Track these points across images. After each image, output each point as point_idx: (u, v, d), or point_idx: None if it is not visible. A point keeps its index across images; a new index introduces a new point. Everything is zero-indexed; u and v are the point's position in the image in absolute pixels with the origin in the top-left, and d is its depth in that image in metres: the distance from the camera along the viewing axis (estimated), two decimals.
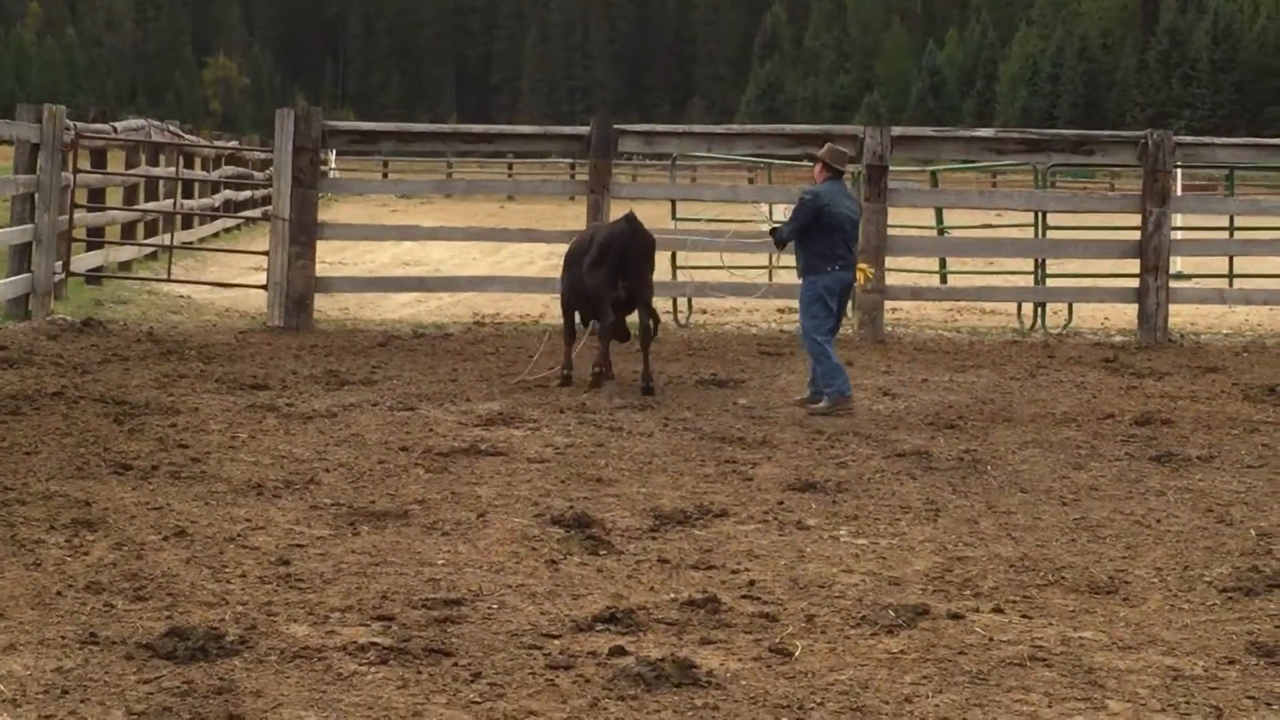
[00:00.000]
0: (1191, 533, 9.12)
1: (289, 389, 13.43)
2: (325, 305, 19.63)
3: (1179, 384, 15.18)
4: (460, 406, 12.80)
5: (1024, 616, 7.37)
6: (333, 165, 58.50)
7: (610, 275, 13.75)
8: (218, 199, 32.80)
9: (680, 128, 20.70)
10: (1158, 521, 9.38)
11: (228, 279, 22.46)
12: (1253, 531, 9.17)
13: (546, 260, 26.58)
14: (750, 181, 48.98)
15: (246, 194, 36.62)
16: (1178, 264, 21.92)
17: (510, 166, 66.91)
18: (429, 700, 6.03)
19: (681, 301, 20.26)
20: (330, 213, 36.66)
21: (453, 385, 13.87)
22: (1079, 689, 6.37)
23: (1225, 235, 22.39)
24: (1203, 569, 8.30)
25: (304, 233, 17.94)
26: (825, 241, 13.29)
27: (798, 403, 13.31)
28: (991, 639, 6.99)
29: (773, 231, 14.11)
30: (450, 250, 28.94)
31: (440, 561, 8.04)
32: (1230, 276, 21.63)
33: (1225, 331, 20.02)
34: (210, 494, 9.37)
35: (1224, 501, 9.97)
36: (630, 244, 13.78)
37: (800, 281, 13.62)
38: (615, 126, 18.84)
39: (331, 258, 24.82)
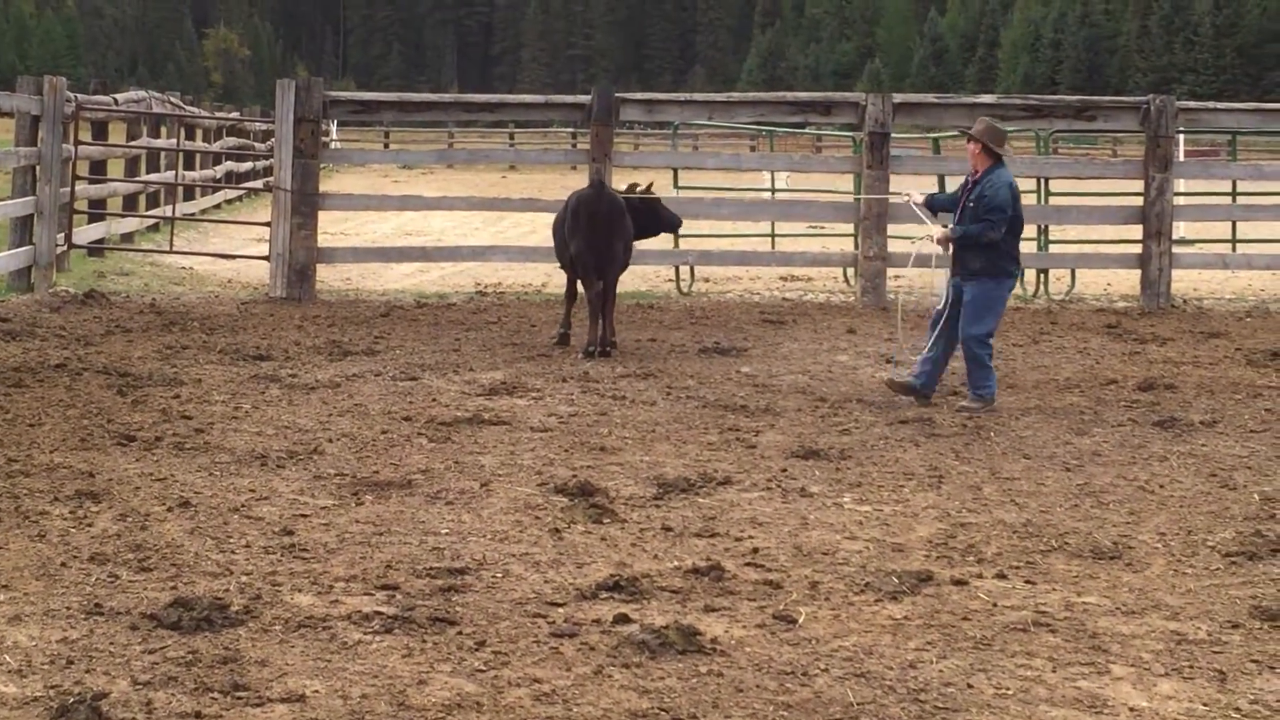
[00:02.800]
0: (1195, 498, 9.13)
1: (292, 359, 13.43)
2: (327, 276, 19.64)
3: (1182, 349, 15.18)
4: (463, 376, 12.80)
5: (1027, 582, 7.38)
6: (334, 136, 58.43)
7: (587, 242, 13.89)
8: (219, 170, 32.77)
9: (682, 96, 20.67)
10: (1161, 487, 9.39)
11: (230, 250, 22.43)
12: (1256, 496, 9.18)
13: (549, 229, 26.51)
14: (752, 149, 48.96)
15: (248, 165, 36.57)
16: (1180, 229, 21.89)
17: (512, 136, 66.79)
18: (434, 669, 6.05)
19: (684, 270, 20.23)
20: (332, 183, 36.65)
21: (456, 355, 13.88)
22: (1083, 654, 6.38)
23: (1228, 200, 22.34)
24: (1206, 534, 8.31)
25: (306, 203, 17.93)
26: (1011, 240, 12.01)
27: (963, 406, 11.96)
28: (995, 605, 7.00)
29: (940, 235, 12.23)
30: (452, 220, 28.94)
31: (444, 531, 8.05)
32: (1233, 241, 21.61)
33: (1228, 296, 20.01)
34: (214, 465, 9.38)
35: (1227, 466, 9.98)
36: (598, 210, 13.93)
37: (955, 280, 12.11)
38: (617, 95, 18.82)
39: (334, 228, 24.84)
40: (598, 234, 13.99)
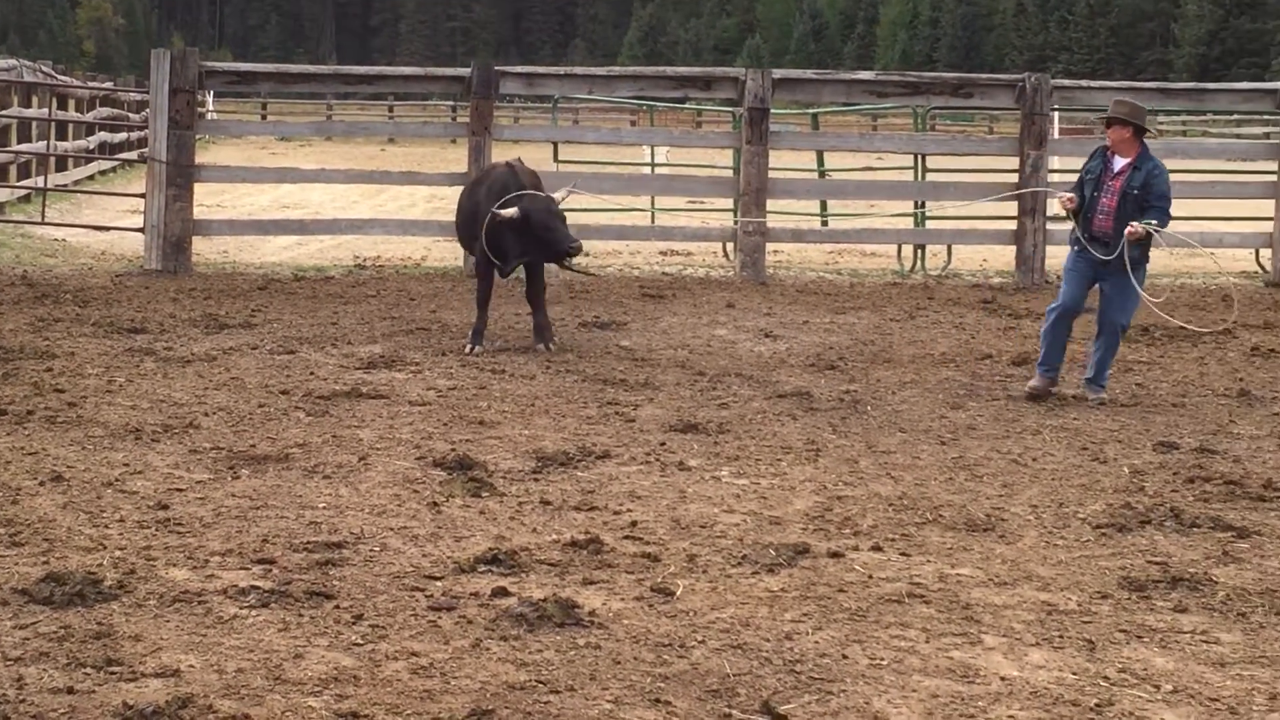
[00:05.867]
0: (1066, 471, 9.27)
1: (167, 332, 13.30)
2: (203, 248, 19.43)
3: None
4: (341, 349, 12.73)
5: (903, 554, 7.46)
6: (210, 107, 57.73)
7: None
8: (93, 141, 32.30)
9: (561, 70, 20.64)
10: (1034, 460, 9.52)
11: (103, 222, 22.11)
12: (1126, 469, 9.34)
13: (428, 203, 26.41)
14: (632, 124, 48.95)
15: (122, 136, 36.08)
16: (1055, 206, 22.13)
17: (391, 109, 66.33)
18: (310, 643, 6.02)
19: None
20: (208, 155, 36.23)
21: (334, 328, 13.79)
22: (956, 624, 6.47)
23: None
24: (1077, 506, 8.45)
25: (181, 175, 17.72)
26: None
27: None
28: (871, 576, 7.08)
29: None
30: (331, 193, 28.66)
31: (321, 505, 8.02)
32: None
33: None
34: (87, 439, 9.28)
35: (1098, 440, 10.14)
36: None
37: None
38: (496, 68, 18.73)
39: (210, 200, 24.55)
40: None
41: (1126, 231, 11.23)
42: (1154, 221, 11.26)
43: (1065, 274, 11.83)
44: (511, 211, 12.48)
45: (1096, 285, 11.66)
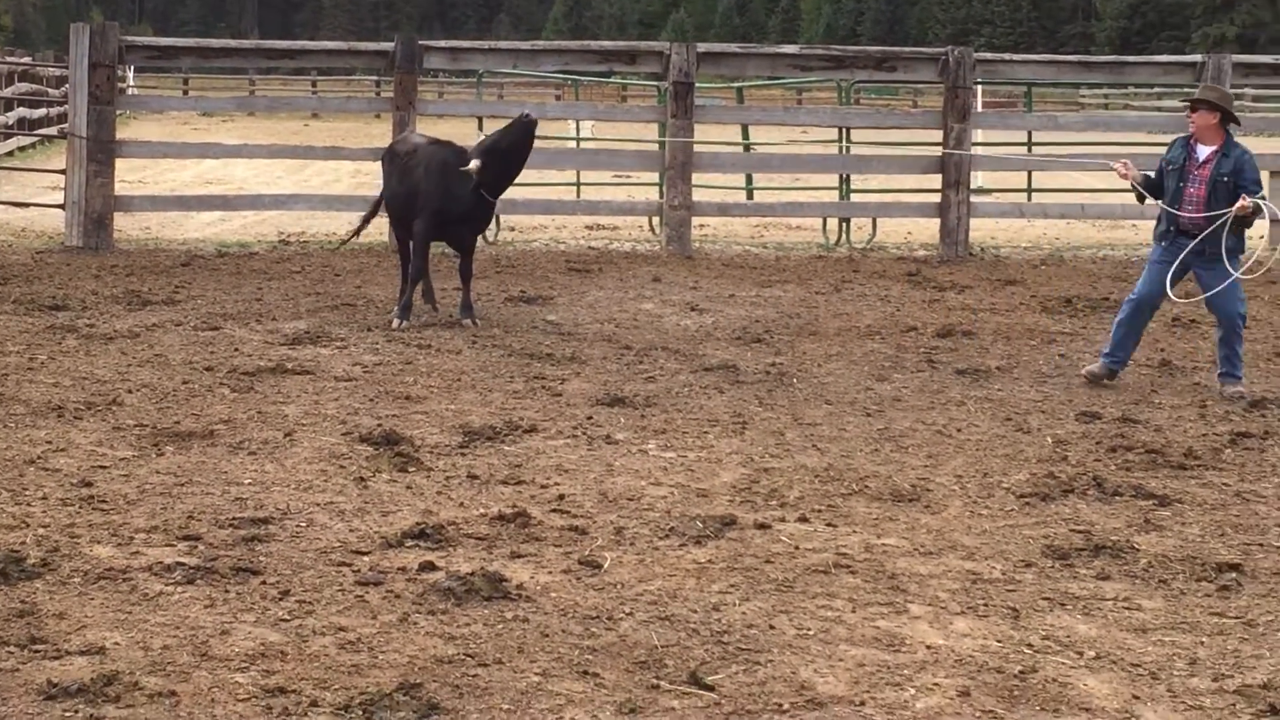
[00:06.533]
0: (991, 441, 9.34)
1: (89, 309, 13.19)
2: (126, 225, 19.26)
3: (979, 296, 15.46)
4: (266, 325, 12.66)
5: (829, 525, 7.51)
6: (131, 82, 57.20)
7: None
8: (11, 117, 31.93)
9: (486, 44, 20.53)
10: (958, 431, 9.59)
11: (23, 198, 21.89)
12: (1049, 439, 9.41)
13: (352, 178, 26.31)
14: (557, 98, 48.86)
15: (41, 111, 35.68)
16: (978, 179, 22.28)
17: (314, 83, 65.94)
18: (237, 619, 6.00)
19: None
20: (130, 130, 35.95)
21: (258, 304, 13.71)
22: (882, 594, 6.51)
23: (1024, 151, 22.78)
24: (1001, 476, 8.52)
25: (102, 151, 17.56)
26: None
27: (1232, 394, 10.91)
28: (797, 548, 7.11)
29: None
30: (254, 168, 28.50)
31: (247, 481, 7.98)
32: (1029, 191, 22.02)
33: (1024, 245, 20.40)
34: (9, 416, 9.20)
35: (1022, 410, 10.22)
36: None
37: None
38: (420, 43, 18.65)
39: (132, 176, 24.35)
40: None
41: (1238, 206, 10.78)
42: (1263, 197, 10.94)
43: (1149, 265, 11.36)
44: (476, 164, 12.73)
45: (1193, 277, 11.30)
